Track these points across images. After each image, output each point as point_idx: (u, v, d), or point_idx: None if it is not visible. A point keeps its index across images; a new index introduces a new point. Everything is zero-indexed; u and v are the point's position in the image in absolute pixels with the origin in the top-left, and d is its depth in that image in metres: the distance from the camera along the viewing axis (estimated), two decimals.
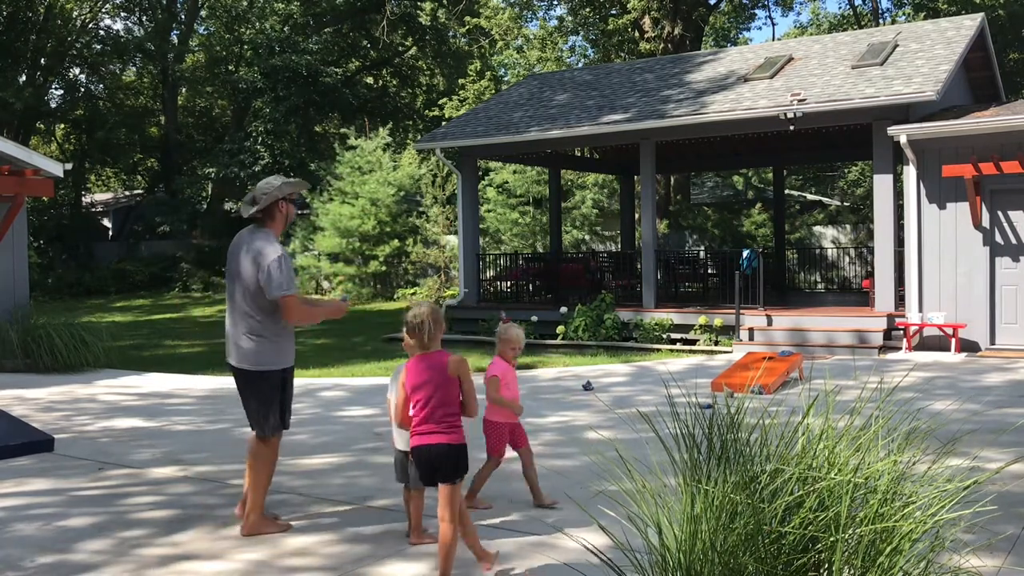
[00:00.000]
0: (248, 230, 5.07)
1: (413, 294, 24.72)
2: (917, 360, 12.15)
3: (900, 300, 13.75)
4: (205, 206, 35.29)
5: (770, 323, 14.13)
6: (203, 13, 37.71)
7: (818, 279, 22.59)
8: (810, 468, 3.13)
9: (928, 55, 14.78)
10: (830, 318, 14.01)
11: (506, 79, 39.11)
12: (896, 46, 15.65)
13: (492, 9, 32.89)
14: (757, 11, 38.21)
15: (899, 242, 13.78)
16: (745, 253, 15.96)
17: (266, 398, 5.02)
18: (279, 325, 4.98)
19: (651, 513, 3.21)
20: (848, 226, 23.94)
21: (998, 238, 12.74)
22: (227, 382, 12.02)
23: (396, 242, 25.58)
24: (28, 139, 35.09)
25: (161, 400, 10.43)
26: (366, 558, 4.63)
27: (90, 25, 37.50)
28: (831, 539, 2.95)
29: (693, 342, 14.75)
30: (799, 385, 10.10)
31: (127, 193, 42.75)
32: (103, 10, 37.75)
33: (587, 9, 30.79)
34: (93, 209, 40.62)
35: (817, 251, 22.92)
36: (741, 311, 14.19)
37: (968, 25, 16.09)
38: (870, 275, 17.24)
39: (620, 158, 21.30)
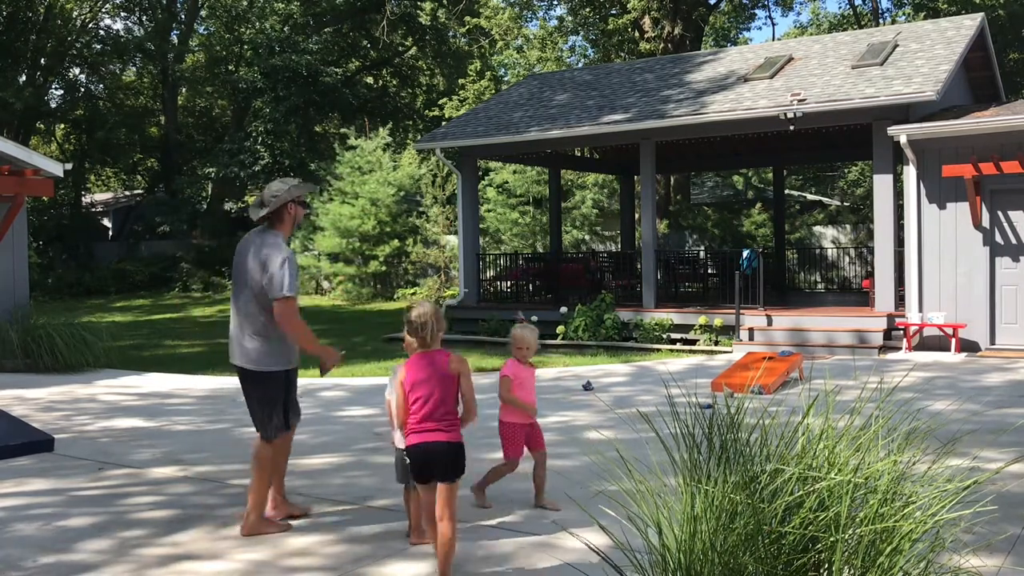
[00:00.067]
0: (256, 232, 5.10)
1: (413, 294, 24.72)
2: (917, 360, 12.15)
3: (900, 300, 13.75)
4: (205, 206, 35.28)
5: (770, 323, 14.13)
6: (203, 13, 37.71)
7: (818, 279, 22.59)
8: (810, 468, 3.13)
9: (928, 55, 14.78)
10: (830, 318, 14.01)
11: (506, 79, 39.11)
12: (896, 46, 15.65)
13: (492, 9, 32.90)
14: (757, 11, 38.23)
15: (899, 242, 13.78)
16: (745, 253, 15.96)
17: (270, 399, 5.04)
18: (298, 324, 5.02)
19: (651, 513, 3.21)
20: (848, 226, 23.94)
21: (998, 238, 12.74)
22: (227, 382, 12.03)
23: (396, 242, 25.58)
24: (28, 139, 35.08)
25: (161, 400, 10.43)
26: (366, 558, 4.63)
27: (90, 25, 37.50)
28: (831, 539, 2.96)
29: (693, 342, 14.75)
30: (799, 385, 10.10)
31: (127, 193, 42.74)
32: (103, 10, 37.75)
33: (587, 9, 30.79)
34: (93, 209, 40.61)
35: (817, 251, 22.92)
36: (741, 311, 14.19)
37: (968, 25, 16.09)
38: (870, 275, 17.24)
39: (620, 158, 21.30)
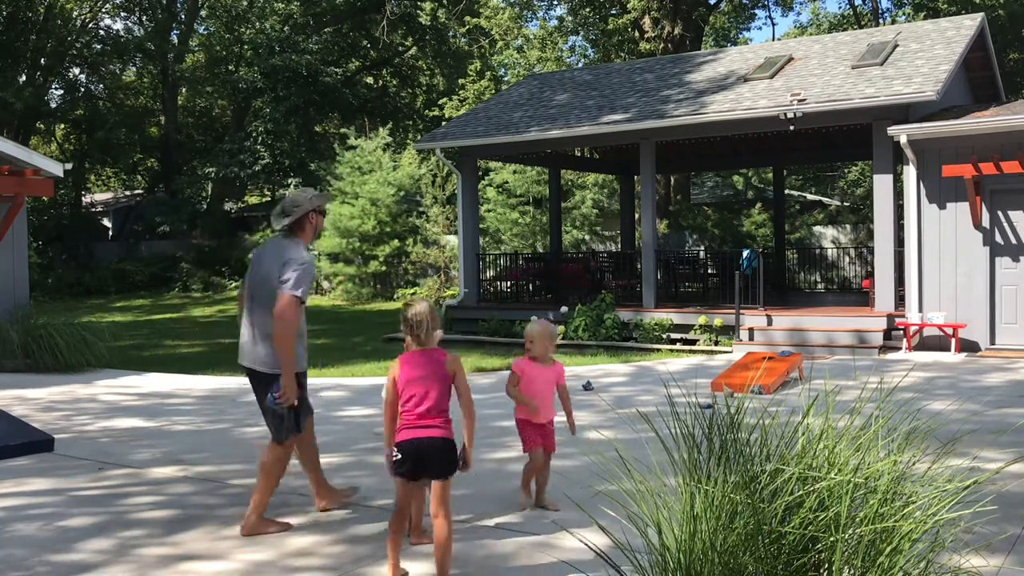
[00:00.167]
0: (276, 238, 5.19)
1: (413, 294, 24.73)
2: (917, 360, 12.15)
3: (900, 300, 13.75)
4: (205, 206, 35.29)
5: (770, 323, 14.13)
6: (203, 13, 37.71)
7: (818, 279, 22.60)
8: (810, 468, 3.13)
9: (928, 55, 14.78)
10: (830, 318, 14.02)
11: (506, 79, 39.11)
12: (896, 46, 15.65)
13: (492, 9, 32.90)
14: (757, 11, 38.24)
15: (899, 242, 13.78)
16: (745, 253, 15.96)
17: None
18: (297, 331, 5.04)
19: (651, 513, 3.21)
20: (848, 226, 23.94)
21: (998, 238, 12.74)
22: (227, 382, 12.03)
23: (396, 242, 25.59)
24: (28, 139, 35.09)
25: (161, 400, 10.42)
26: (366, 558, 4.63)
27: (90, 25, 37.51)
28: (831, 539, 2.96)
29: (693, 342, 14.75)
30: (799, 385, 10.10)
31: (127, 193, 42.75)
32: (103, 10, 37.76)
33: (587, 9, 30.80)
34: (93, 209, 40.62)
35: (817, 251, 22.92)
36: (741, 311, 14.19)
37: (968, 25, 16.09)
38: (870, 275, 17.24)
39: (620, 158, 21.30)
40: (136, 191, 42.30)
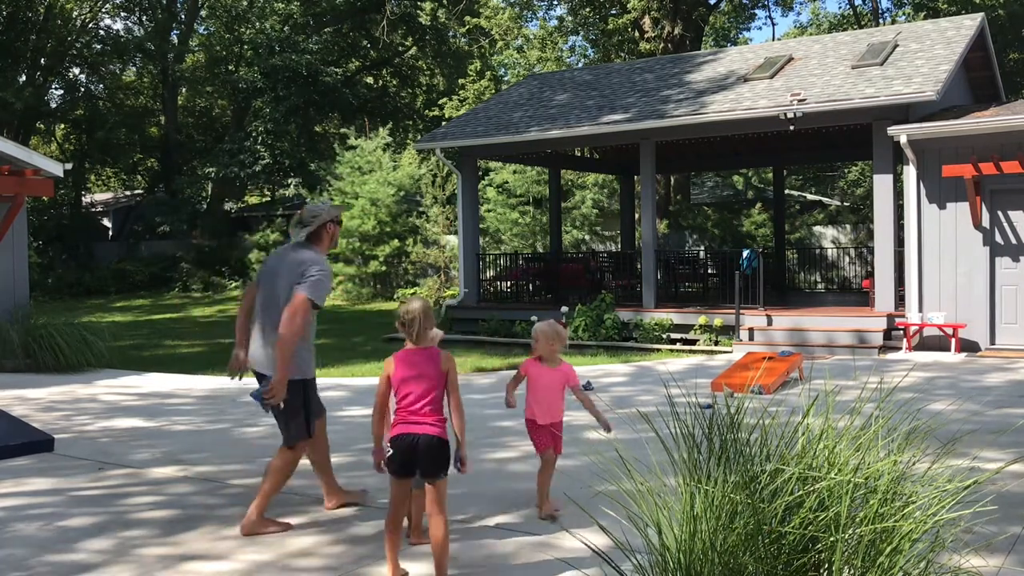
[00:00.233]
0: (293, 246, 5.25)
1: (413, 294, 24.73)
2: (917, 360, 12.15)
3: (900, 300, 13.75)
4: (205, 206, 35.29)
5: (770, 323, 14.13)
6: (203, 13, 37.71)
7: (818, 279, 22.60)
8: (810, 468, 3.13)
9: (928, 55, 14.78)
10: (830, 318, 14.02)
11: (506, 79, 39.11)
12: (896, 46, 15.65)
13: (492, 9, 32.90)
14: (757, 11, 38.24)
15: (899, 242, 13.78)
16: (745, 253, 15.96)
17: (293, 406, 5.12)
18: (309, 338, 5.16)
19: (651, 513, 3.21)
20: (848, 226, 23.94)
21: (998, 238, 12.74)
22: (227, 382, 12.00)
23: (396, 242, 25.58)
24: (28, 139, 35.08)
25: (161, 400, 10.42)
26: (366, 558, 4.63)
27: (90, 25, 37.50)
28: (831, 539, 2.96)
29: (693, 342, 14.75)
30: (799, 385, 10.10)
31: (127, 193, 42.75)
32: (103, 10, 37.75)
33: (587, 9, 30.80)
34: (93, 209, 40.62)
35: (817, 251, 22.92)
36: (741, 311, 14.19)
37: (968, 25, 16.09)
38: (870, 275, 17.24)
39: (620, 158, 21.30)
40: (136, 191, 42.29)
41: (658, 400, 9.07)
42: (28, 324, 12.85)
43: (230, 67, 36.04)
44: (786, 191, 25.37)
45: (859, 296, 17.84)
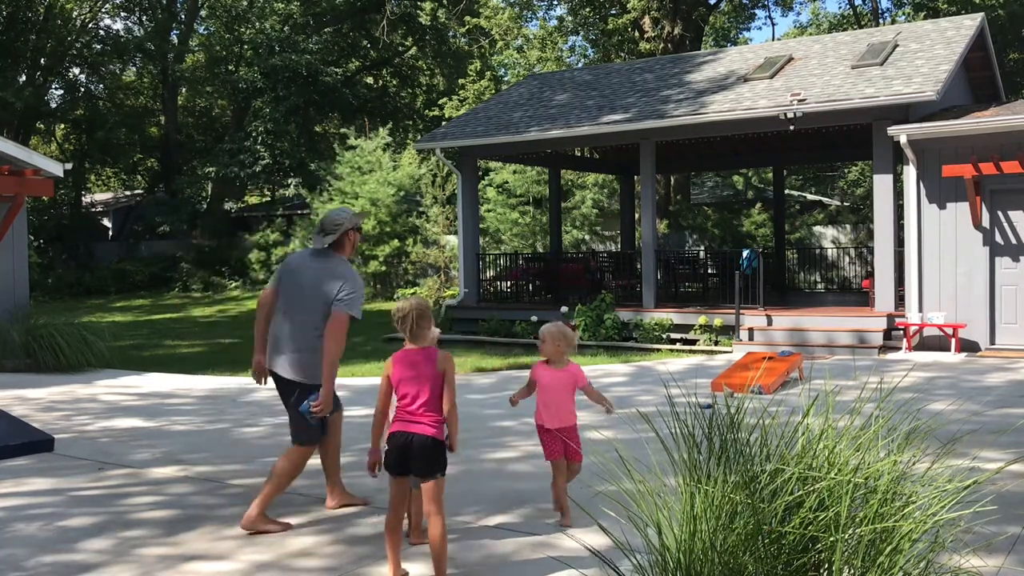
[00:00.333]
0: (316, 253, 5.30)
1: (413, 294, 24.72)
2: (917, 360, 12.15)
3: (900, 300, 13.75)
4: (205, 206, 35.29)
5: (770, 323, 14.13)
6: (203, 13, 37.71)
7: (818, 279, 22.59)
8: (810, 468, 3.13)
9: (928, 55, 14.78)
10: (830, 318, 14.01)
11: (506, 79, 39.11)
12: (896, 46, 15.65)
13: (492, 9, 32.89)
14: (757, 11, 38.23)
15: (899, 242, 13.78)
16: (745, 253, 15.96)
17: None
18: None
19: (651, 513, 3.21)
20: (848, 226, 23.94)
21: (998, 238, 12.74)
22: (227, 382, 12.04)
23: (396, 242, 25.58)
24: (28, 139, 35.08)
25: (161, 400, 10.43)
26: (366, 558, 4.64)
27: (90, 25, 37.50)
28: (831, 539, 2.96)
29: (693, 342, 14.75)
30: (799, 385, 10.10)
31: (127, 193, 42.75)
32: (103, 10, 37.75)
33: (587, 9, 30.79)
34: (93, 209, 40.62)
35: (817, 251, 22.92)
36: (741, 311, 14.19)
37: (968, 25, 16.09)
38: (870, 275, 17.24)
39: (620, 158, 21.30)
40: (136, 191, 42.29)
41: (658, 400, 9.07)
42: (28, 324, 12.85)
43: (230, 67, 36.04)
44: (786, 191, 25.37)
45: (859, 296, 17.84)
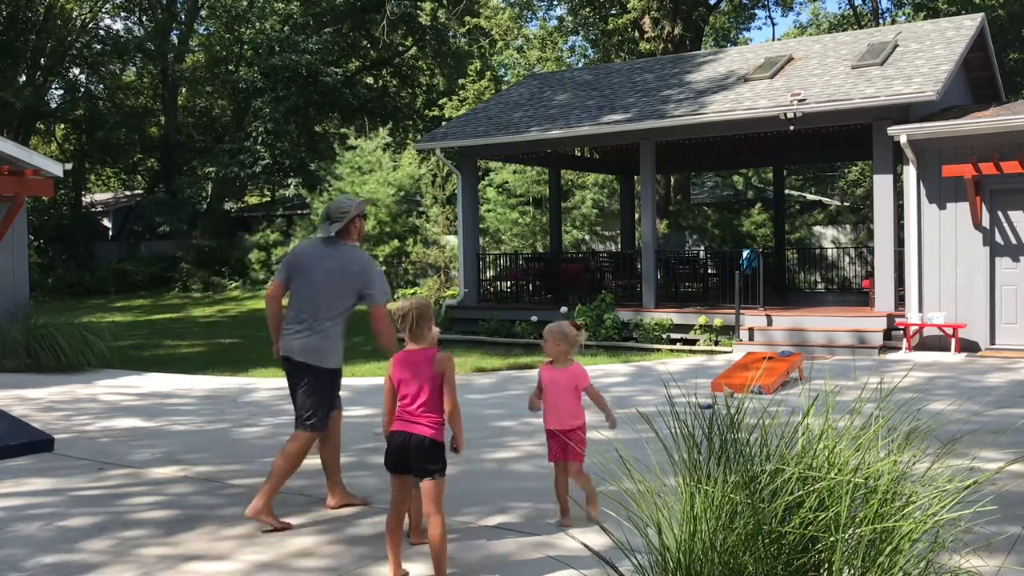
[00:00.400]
0: (324, 240, 5.44)
1: (413, 294, 24.72)
2: (917, 360, 12.15)
3: (900, 300, 13.75)
4: (205, 206, 35.28)
5: (770, 323, 14.13)
6: (203, 13, 37.71)
7: (818, 279, 22.59)
8: (810, 468, 3.13)
9: (928, 55, 14.78)
10: (830, 318, 14.01)
11: (506, 79, 39.11)
12: (896, 46, 15.65)
13: (492, 9, 32.89)
14: (757, 11, 38.24)
15: (899, 242, 13.78)
16: (745, 253, 15.96)
17: (326, 394, 5.32)
18: (344, 328, 5.44)
19: (651, 513, 3.21)
20: (848, 226, 23.94)
21: (998, 238, 12.74)
22: (227, 382, 12.04)
23: (396, 242, 25.56)
24: (28, 139, 35.08)
25: (161, 400, 10.43)
26: (366, 558, 4.63)
27: (90, 25, 37.50)
28: (831, 539, 2.96)
29: (693, 342, 14.75)
30: (799, 385, 10.10)
31: (127, 193, 42.74)
32: (103, 10, 37.75)
33: (587, 9, 30.79)
34: (93, 209, 40.61)
35: (817, 251, 22.92)
36: (741, 311, 14.19)
37: (968, 25, 16.09)
38: (870, 275, 17.24)
39: (620, 158, 21.29)
40: (136, 191, 42.29)
41: (658, 400, 9.07)
42: (28, 324, 12.85)
43: (230, 67, 36.03)
44: (786, 191, 25.36)
45: (859, 296, 17.84)
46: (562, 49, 33.25)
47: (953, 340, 12.63)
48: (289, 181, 33.09)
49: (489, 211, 25.34)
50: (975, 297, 12.81)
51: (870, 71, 14.65)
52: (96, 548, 4.85)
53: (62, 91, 37.60)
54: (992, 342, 12.78)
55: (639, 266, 17.03)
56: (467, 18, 32.48)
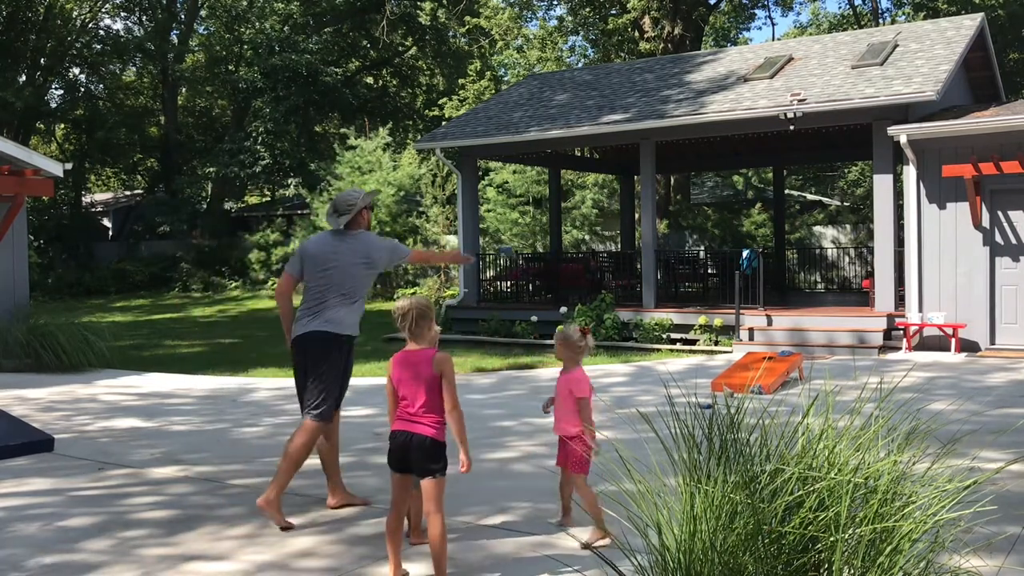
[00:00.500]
0: (333, 233, 5.56)
1: (413, 294, 24.70)
2: (917, 360, 12.15)
3: (900, 300, 13.75)
4: (205, 206, 35.28)
5: (770, 323, 14.13)
6: (203, 13, 37.71)
7: (818, 279, 22.59)
8: (810, 468, 3.13)
9: (928, 55, 14.78)
10: (830, 318, 14.01)
11: (506, 79, 39.11)
12: (896, 46, 15.65)
13: (492, 9, 32.89)
14: (757, 11, 38.23)
15: (899, 242, 13.78)
16: (745, 253, 15.95)
17: (336, 379, 5.38)
18: (362, 309, 5.67)
19: (651, 513, 3.21)
20: (848, 226, 23.94)
21: (998, 238, 12.74)
22: (227, 382, 12.04)
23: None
24: (28, 139, 35.07)
25: (161, 400, 10.43)
26: (366, 558, 4.64)
27: (90, 25, 37.50)
28: (831, 539, 2.96)
29: (693, 342, 14.75)
30: (799, 385, 10.10)
31: (127, 193, 42.73)
32: (103, 10, 37.75)
33: (587, 9, 30.80)
34: (93, 209, 40.61)
35: (817, 251, 22.92)
36: (741, 311, 14.19)
37: (968, 25, 16.09)
38: (870, 275, 17.24)
39: (620, 158, 21.30)
40: (136, 191, 42.28)
41: (658, 400, 9.07)
42: (28, 324, 12.85)
43: (230, 67, 36.03)
44: (786, 191, 25.36)
45: (859, 296, 17.84)
46: (562, 49, 33.25)
47: (953, 340, 12.63)
48: (289, 181, 33.09)
49: (489, 211, 25.34)
50: (975, 297, 12.81)
51: (870, 71, 14.65)
52: (96, 548, 4.85)
53: (62, 91, 37.61)
54: (992, 342, 12.78)
55: (639, 266, 17.02)
56: (467, 18, 32.48)
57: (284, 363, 12.82)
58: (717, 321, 14.49)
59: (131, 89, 40.47)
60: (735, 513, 3.07)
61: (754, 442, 3.34)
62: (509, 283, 19.23)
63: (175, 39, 36.74)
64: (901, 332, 13.12)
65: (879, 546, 2.96)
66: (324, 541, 4.92)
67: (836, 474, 3.05)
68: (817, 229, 24.14)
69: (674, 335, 14.95)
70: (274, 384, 11.67)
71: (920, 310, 13.09)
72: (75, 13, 36.41)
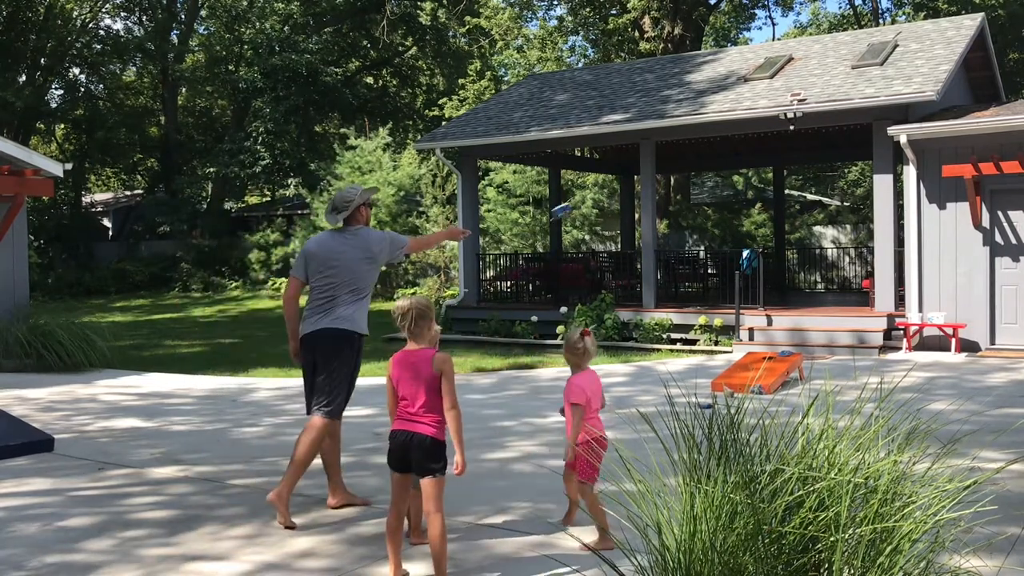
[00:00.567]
0: (335, 231, 5.62)
1: (413, 294, 24.70)
2: (917, 360, 12.15)
3: (900, 300, 13.75)
4: (205, 206, 35.28)
5: (770, 323, 14.13)
6: (203, 13, 37.70)
7: (818, 279, 22.59)
8: (810, 468, 3.13)
9: (928, 55, 14.78)
10: (830, 318, 14.01)
11: (506, 79, 39.11)
12: (896, 46, 15.65)
13: (492, 9, 32.89)
14: (757, 11, 38.23)
15: (899, 242, 13.78)
16: (745, 253, 15.95)
17: (345, 377, 5.48)
18: (369, 303, 5.65)
19: (651, 513, 3.21)
20: (848, 226, 23.94)
21: (998, 238, 12.74)
22: (227, 382, 12.04)
23: None
24: (28, 139, 35.07)
25: (161, 400, 10.43)
26: (367, 558, 4.64)
27: (90, 25, 37.50)
28: (831, 539, 2.96)
29: (693, 342, 14.75)
30: (799, 385, 10.10)
31: (127, 193, 42.73)
32: (103, 10, 37.75)
33: (587, 9, 30.79)
34: (93, 209, 40.61)
35: (817, 251, 22.92)
36: (741, 311, 14.19)
37: (968, 25, 16.09)
38: (870, 275, 17.24)
39: (620, 158, 21.29)
40: (136, 191, 42.28)
41: (658, 400, 9.07)
42: (28, 324, 12.85)
43: (230, 67, 36.02)
44: (786, 191, 25.36)
45: (859, 296, 17.84)
46: (562, 49, 33.25)
47: (953, 340, 12.63)
48: (289, 181, 33.08)
49: (489, 211, 25.33)
50: (975, 297, 12.81)
51: (870, 71, 14.65)
52: (97, 548, 4.85)
53: (62, 91, 37.61)
54: (992, 342, 12.78)
55: (639, 266, 17.02)
56: (467, 18, 32.48)
57: (284, 363, 12.83)
58: (717, 321, 14.49)
59: (131, 89, 40.47)
60: (735, 513, 3.07)
61: (754, 442, 3.34)
62: (509, 283, 19.23)
63: (175, 39, 36.74)
64: (901, 332, 13.12)
65: (879, 546, 2.96)
66: (325, 541, 4.92)
67: (836, 474, 3.05)
68: (817, 229, 24.14)
69: (674, 335, 14.95)
70: (274, 384, 11.67)
71: (920, 310, 13.10)
72: (75, 13, 36.41)
